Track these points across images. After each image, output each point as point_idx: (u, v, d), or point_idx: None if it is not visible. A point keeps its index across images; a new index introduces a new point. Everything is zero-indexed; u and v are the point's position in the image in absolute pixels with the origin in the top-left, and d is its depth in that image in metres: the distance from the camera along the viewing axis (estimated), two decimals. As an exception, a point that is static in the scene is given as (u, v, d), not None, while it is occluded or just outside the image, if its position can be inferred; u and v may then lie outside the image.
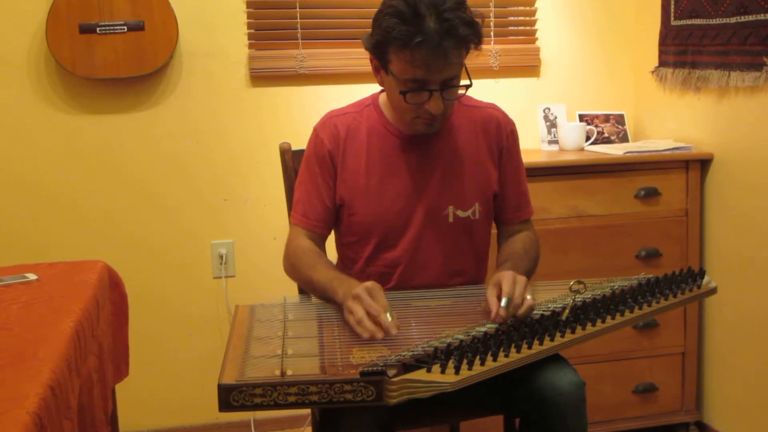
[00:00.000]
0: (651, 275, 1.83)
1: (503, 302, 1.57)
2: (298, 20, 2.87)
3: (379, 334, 1.53)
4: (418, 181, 1.87)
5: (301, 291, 2.06)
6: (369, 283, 1.63)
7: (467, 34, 1.66)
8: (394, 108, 1.84)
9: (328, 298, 1.76)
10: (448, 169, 1.88)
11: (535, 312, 1.62)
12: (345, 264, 1.97)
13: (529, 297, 1.60)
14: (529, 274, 1.86)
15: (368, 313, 1.56)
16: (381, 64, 1.76)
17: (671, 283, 1.76)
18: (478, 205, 1.89)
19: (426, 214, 1.87)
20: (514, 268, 1.74)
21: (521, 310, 1.58)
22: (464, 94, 1.78)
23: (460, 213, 1.88)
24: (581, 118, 3.02)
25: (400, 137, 1.88)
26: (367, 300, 1.58)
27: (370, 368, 1.33)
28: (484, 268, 1.98)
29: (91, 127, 2.79)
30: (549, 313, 1.62)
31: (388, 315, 1.55)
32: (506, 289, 1.60)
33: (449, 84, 1.72)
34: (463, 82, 1.77)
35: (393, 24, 1.66)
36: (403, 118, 1.81)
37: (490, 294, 1.63)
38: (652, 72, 2.95)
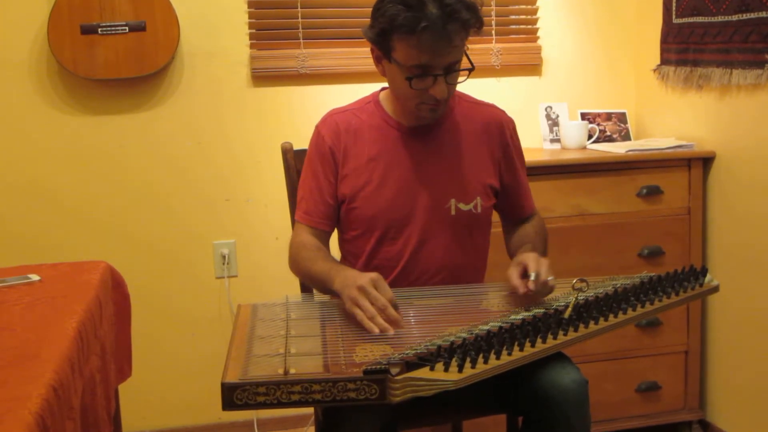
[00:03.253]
0: (653, 273, 1.83)
1: (532, 276, 1.65)
2: (300, 20, 2.87)
3: (391, 330, 1.55)
4: (420, 174, 1.88)
5: (304, 290, 2.06)
6: (373, 275, 1.64)
7: (469, 17, 1.70)
8: (398, 96, 1.85)
9: (327, 289, 1.78)
10: (449, 163, 1.89)
11: (537, 310, 1.63)
12: (348, 260, 1.97)
13: (551, 278, 1.68)
14: (544, 254, 1.91)
15: (375, 307, 1.57)
16: (383, 53, 1.77)
17: (673, 282, 1.76)
18: (479, 198, 1.90)
19: (428, 207, 1.87)
20: (534, 250, 1.82)
21: (548, 286, 1.67)
22: (466, 79, 1.79)
23: (462, 206, 1.88)
24: (583, 116, 3.01)
25: (401, 130, 1.89)
26: (373, 293, 1.59)
27: (374, 366, 1.33)
28: (485, 264, 1.99)
29: (92, 127, 2.79)
30: (552, 311, 1.61)
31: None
32: (533, 266, 1.68)
33: (452, 68, 1.75)
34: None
35: (398, 11, 1.68)
36: (407, 105, 1.82)
37: (513, 273, 1.71)
38: (654, 70, 2.94)
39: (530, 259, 1.70)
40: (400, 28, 1.69)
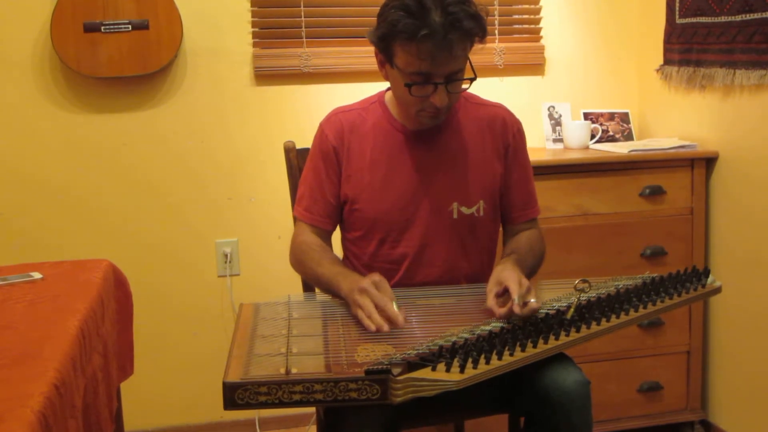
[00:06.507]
0: (656, 274, 1.83)
1: (516, 300, 1.58)
2: (303, 19, 2.87)
3: (386, 327, 1.55)
4: (423, 176, 1.87)
5: (306, 289, 2.06)
6: (375, 276, 1.66)
7: (472, 27, 1.67)
8: (399, 101, 1.84)
9: (333, 292, 1.78)
10: (452, 166, 1.88)
11: (540, 311, 1.62)
12: (350, 260, 1.97)
13: (533, 300, 1.60)
14: (532, 270, 1.87)
15: (376, 306, 1.58)
16: (386, 58, 1.76)
17: (676, 283, 1.76)
18: (482, 202, 1.89)
19: (430, 210, 1.87)
20: (518, 263, 1.76)
21: (525, 311, 1.58)
22: (468, 88, 1.78)
23: (464, 209, 1.88)
24: (586, 116, 3.01)
25: (405, 133, 1.88)
26: (373, 292, 1.61)
27: (375, 366, 1.33)
28: (491, 268, 1.97)
29: (95, 125, 2.79)
30: (554, 312, 1.61)
31: (394, 305, 1.58)
32: (516, 291, 1.60)
33: (454, 77, 1.73)
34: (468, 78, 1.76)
35: (399, 17, 1.66)
36: (408, 111, 1.81)
37: (491, 291, 1.65)
38: (657, 70, 2.94)
39: (511, 282, 1.62)
40: (400, 35, 1.67)
